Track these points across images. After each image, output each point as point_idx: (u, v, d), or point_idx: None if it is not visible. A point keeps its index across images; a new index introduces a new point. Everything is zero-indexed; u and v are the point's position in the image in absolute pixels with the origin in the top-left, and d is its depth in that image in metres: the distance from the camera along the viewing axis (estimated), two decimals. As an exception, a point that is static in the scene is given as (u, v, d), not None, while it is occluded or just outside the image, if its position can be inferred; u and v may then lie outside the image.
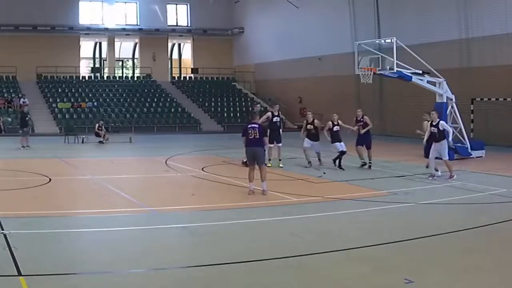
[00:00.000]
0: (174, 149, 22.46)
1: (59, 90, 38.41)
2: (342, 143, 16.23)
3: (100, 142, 25.91)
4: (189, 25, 44.75)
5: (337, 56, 33.01)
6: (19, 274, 6.41)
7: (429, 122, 14.55)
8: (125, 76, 44.91)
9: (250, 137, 12.08)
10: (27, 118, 23.80)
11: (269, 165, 15.96)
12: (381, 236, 8.51)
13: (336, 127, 16.45)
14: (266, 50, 41.18)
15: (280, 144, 16.81)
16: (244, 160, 16.47)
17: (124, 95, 39.35)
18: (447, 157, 14.49)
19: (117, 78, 43.00)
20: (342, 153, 16.11)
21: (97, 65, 44.75)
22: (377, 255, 7.50)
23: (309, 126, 16.69)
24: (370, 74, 19.62)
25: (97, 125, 27.04)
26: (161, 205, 10.89)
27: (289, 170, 16.04)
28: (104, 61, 44.78)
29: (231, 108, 39.96)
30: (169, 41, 45.49)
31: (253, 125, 12.25)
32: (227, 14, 44.40)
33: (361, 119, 16.62)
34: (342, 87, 32.98)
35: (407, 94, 25.20)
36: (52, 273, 6.55)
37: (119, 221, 9.53)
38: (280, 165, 16.57)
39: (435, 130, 14.17)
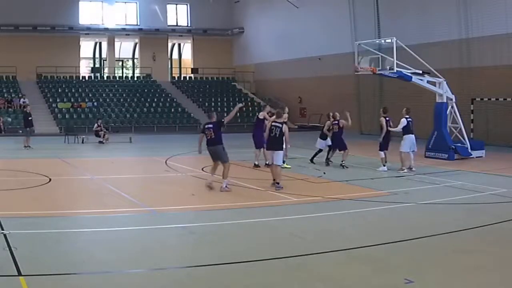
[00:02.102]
0: (174, 149, 22.43)
1: (59, 90, 38.39)
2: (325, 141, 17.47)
3: (100, 142, 25.89)
4: (189, 25, 44.75)
5: (337, 56, 32.99)
6: (19, 274, 6.41)
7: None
8: (125, 76, 44.90)
9: (208, 138, 12.59)
10: (30, 118, 23.76)
11: (288, 166, 16.09)
12: (381, 236, 8.50)
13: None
14: (266, 50, 41.18)
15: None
16: (256, 163, 16.54)
17: (124, 95, 39.34)
18: (402, 150, 15.85)
19: (117, 78, 42.99)
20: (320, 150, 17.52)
21: (97, 65, 44.75)
22: (377, 255, 7.50)
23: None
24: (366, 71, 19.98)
25: (95, 124, 27.01)
26: (161, 205, 10.88)
27: (290, 170, 16.02)
28: (104, 61, 44.78)
29: (231, 108, 39.72)
30: (169, 41, 45.49)
31: (208, 126, 12.69)
32: (227, 14, 44.41)
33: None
34: (342, 87, 32.97)
35: (407, 94, 25.18)
36: (52, 273, 6.54)
37: (119, 221, 9.52)
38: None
39: None
